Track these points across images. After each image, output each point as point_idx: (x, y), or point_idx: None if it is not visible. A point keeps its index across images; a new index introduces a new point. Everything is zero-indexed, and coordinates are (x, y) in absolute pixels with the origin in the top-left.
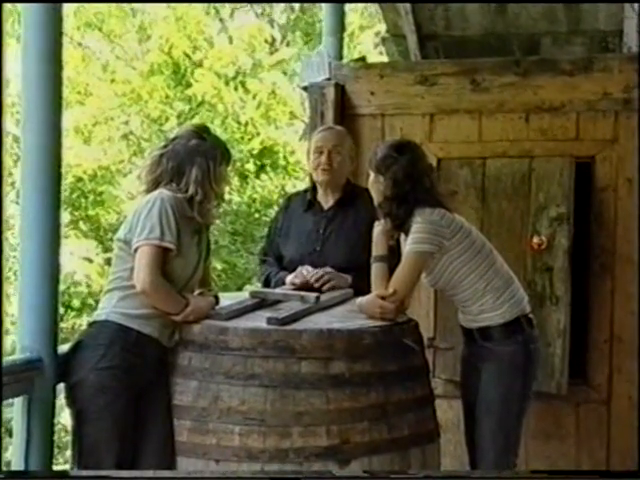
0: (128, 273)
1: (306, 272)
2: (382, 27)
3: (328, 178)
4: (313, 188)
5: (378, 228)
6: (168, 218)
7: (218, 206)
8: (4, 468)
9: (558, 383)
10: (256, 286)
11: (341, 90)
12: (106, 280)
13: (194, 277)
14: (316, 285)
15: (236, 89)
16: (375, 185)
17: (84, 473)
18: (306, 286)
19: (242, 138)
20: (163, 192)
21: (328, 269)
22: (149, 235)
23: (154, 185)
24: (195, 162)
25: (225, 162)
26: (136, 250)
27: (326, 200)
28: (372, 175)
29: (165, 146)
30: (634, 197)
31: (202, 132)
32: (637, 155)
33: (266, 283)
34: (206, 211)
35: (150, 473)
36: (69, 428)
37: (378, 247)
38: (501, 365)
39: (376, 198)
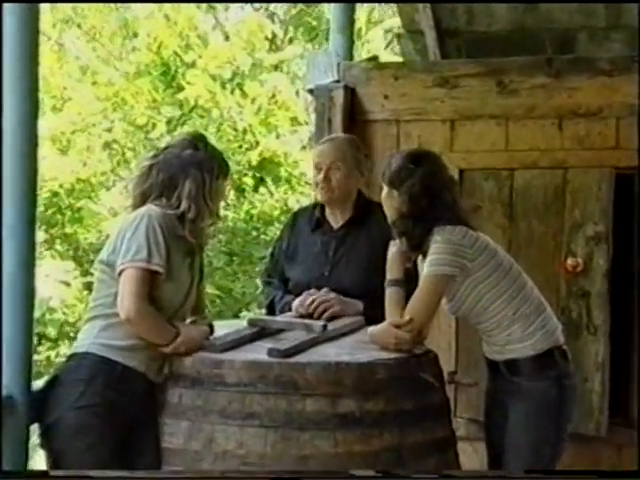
0: (111, 299)
1: (310, 300)
2: (394, 22)
3: (328, 198)
4: (320, 207)
5: (393, 249)
6: (156, 237)
7: (213, 225)
8: None
9: (597, 423)
10: (255, 312)
11: (351, 93)
12: (86, 307)
13: (186, 304)
14: (315, 314)
15: (233, 92)
16: (389, 200)
17: (61, 473)
18: (312, 313)
19: (239, 147)
20: (151, 208)
21: (332, 294)
22: (135, 257)
23: (142, 200)
24: (189, 174)
25: (222, 175)
26: (120, 273)
27: (336, 219)
28: (385, 189)
29: (155, 156)
30: None
31: (197, 141)
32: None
33: (270, 307)
34: (199, 230)
35: (141, 473)
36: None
37: (393, 270)
38: (531, 404)
39: (390, 215)
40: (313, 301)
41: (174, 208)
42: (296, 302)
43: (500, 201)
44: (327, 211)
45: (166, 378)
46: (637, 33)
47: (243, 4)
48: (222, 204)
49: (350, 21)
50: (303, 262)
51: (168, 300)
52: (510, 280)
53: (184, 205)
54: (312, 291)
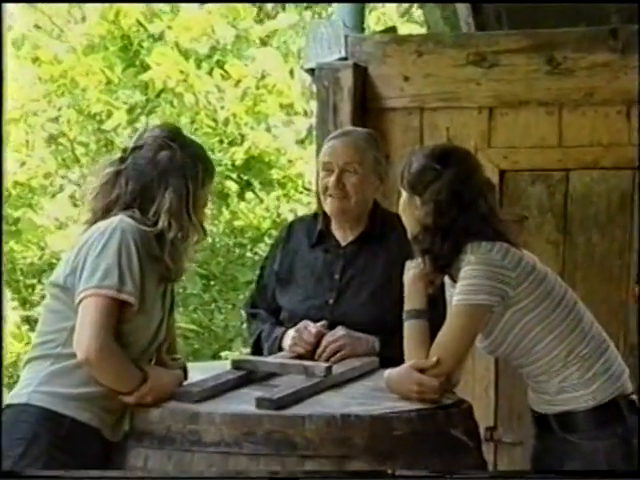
0: (65, 335)
1: (308, 334)
2: None
3: (339, 208)
4: (325, 214)
5: (412, 271)
6: (130, 259)
7: (197, 243)
8: None
9: None
10: (240, 352)
11: (362, 74)
12: (28, 345)
13: (156, 341)
14: (322, 357)
15: (211, 73)
16: (409, 210)
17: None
18: (312, 352)
19: (220, 142)
20: (124, 220)
21: (340, 330)
22: (102, 282)
23: (104, 214)
24: (169, 184)
25: (208, 180)
26: (80, 302)
27: (344, 233)
28: (404, 196)
29: (122, 159)
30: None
31: (175, 137)
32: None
33: (257, 346)
34: (180, 252)
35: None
36: None
37: (413, 298)
38: (590, 468)
39: (410, 228)
40: (317, 338)
41: (151, 224)
42: (289, 338)
43: (551, 210)
44: (333, 223)
45: (126, 436)
46: None
47: None
48: (207, 214)
49: None
50: (300, 287)
51: (136, 337)
52: (563, 311)
53: (163, 222)
54: (305, 324)
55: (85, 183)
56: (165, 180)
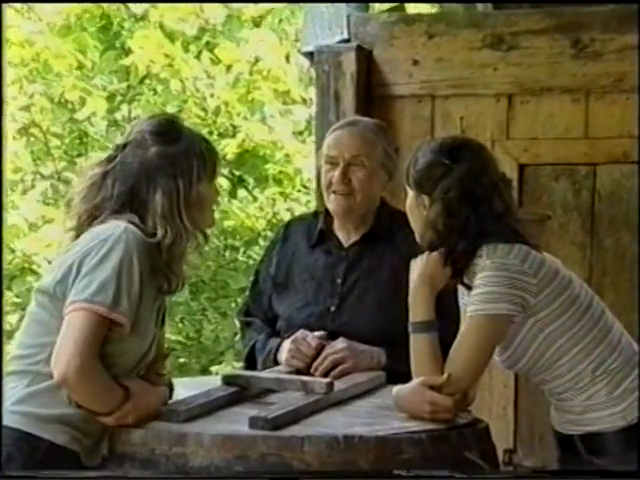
0: (48, 351)
1: (306, 345)
2: None
3: (344, 206)
4: (326, 212)
5: (418, 273)
6: (131, 275)
7: (198, 249)
8: None
9: None
10: (232, 366)
11: (367, 58)
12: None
13: (144, 361)
14: (318, 371)
15: (199, 56)
16: (416, 210)
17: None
18: (311, 366)
19: (210, 134)
20: (129, 230)
21: (341, 341)
22: (95, 296)
23: (89, 220)
24: (157, 184)
25: (209, 174)
26: (67, 314)
27: (347, 233)
28: (411, 194)
29: (110, 159)
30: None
31: (166, 129)
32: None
33: (251, 358)
34: (180, 261)
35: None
36: None
37: (420, 308)
38: None
39: (418, 230)
40: (317, 350)
41: (149, 233)
42: (286, 351)
43: (577, 209)
44: (335, 223)
45: (104, 459)
46: None
47: None
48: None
49: None
50: (299, 293)
51: (125, 359)
52: (590, 321)
53: (161, 229)
54: (303, 334)
55: (71, 186)
56: (153, 180)
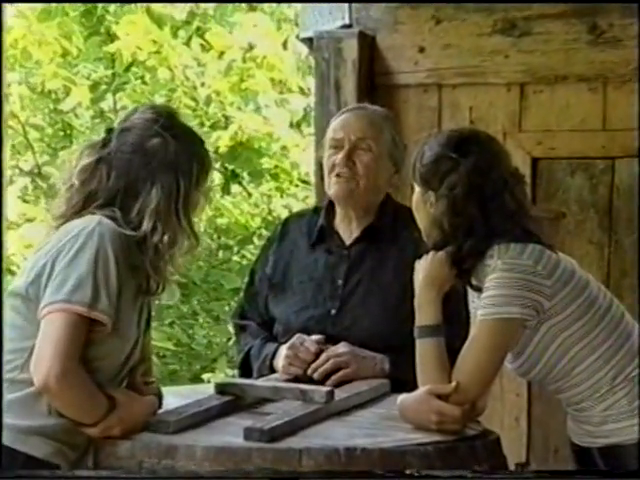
0: (25, 357)
1: (305, 351)
2: None
3: (346, 190)
4: (327, 208)
5: (424, 273)
6: (108, 271)
7: (190, 252)
8: None
9: None
10: (226, 374)
11: (369, 45)
12: None
13: (128, 365)
14: (318, 372)
15: (189, 43)
16: (422, 206)
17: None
18: (306, 370)
19: (201, 126)
20: (103, 223)
21: (342, 346)
22: (72, 295)
23: (78, 211)
24: (157, 179)
25: (204, 175)
26: (44, 317)
27: (349, 229)
28: (417, 190)
29: (105, 143)
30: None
31: (171, 123)
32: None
33: (245, 364)
34: (165, 261)
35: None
36: None
37: (426, 310)
38: None
39: (424, 227)
40: (316, 357)
41: (134, 227)
42: (283, 358)
43: (594, 206)
44: (337, 218)
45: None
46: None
47: None
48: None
49: None
50: (297, 294)
51: (107, 362)
52: (609, 326)
53: (147, 223)
54: (301, 339)
55: (60, 171)
56: (153, 174)
